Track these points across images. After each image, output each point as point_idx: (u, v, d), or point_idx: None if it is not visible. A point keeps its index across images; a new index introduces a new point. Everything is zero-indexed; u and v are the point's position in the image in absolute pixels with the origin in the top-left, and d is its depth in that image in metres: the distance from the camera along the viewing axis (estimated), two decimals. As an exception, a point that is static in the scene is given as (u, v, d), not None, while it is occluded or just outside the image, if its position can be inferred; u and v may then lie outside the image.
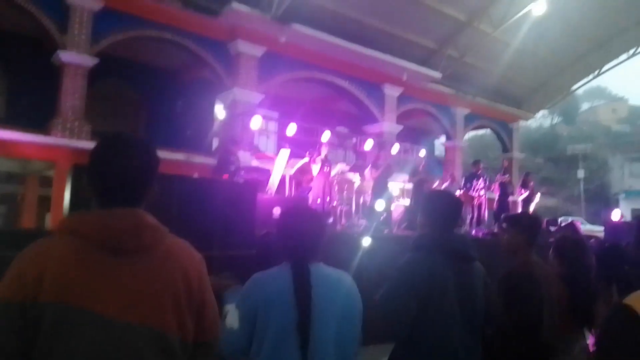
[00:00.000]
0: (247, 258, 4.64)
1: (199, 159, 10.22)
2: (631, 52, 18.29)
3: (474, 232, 8.82)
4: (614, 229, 8.36)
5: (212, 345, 1.36)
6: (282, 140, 10.19)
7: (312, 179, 8.06)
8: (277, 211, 5.93)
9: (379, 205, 7.99)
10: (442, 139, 18.75)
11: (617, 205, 25.88)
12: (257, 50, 11.24)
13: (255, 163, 9.46)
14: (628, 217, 16.38)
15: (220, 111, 11.75)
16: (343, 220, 8.28)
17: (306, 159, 8.15)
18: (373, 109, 13.78)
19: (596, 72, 19.32)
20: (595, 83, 26.98)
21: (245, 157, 9.21)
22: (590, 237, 7.91)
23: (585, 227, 16.27)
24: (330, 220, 7.62)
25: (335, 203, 8.26)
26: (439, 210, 2.20)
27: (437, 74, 14.41)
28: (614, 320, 1.31)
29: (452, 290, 2.04)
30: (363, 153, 12.26)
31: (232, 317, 1.72)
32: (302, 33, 11.42)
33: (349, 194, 8.76)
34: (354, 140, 12.41)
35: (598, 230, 13.38)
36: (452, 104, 16.35)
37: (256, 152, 10.74)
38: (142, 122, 13.32)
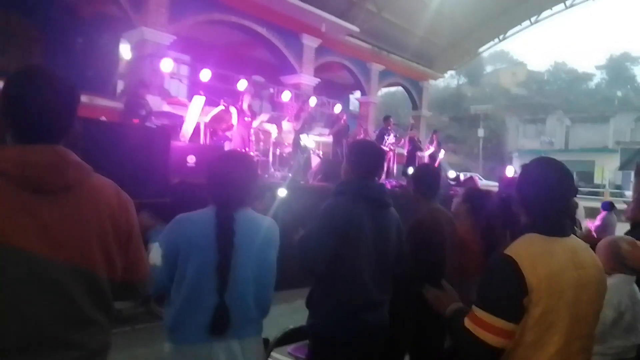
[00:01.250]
0: (158, 206, 4.49)
1: (103, 102, 9.48)
2: (533, 19, 19.61)
3: (384, 184, 9.23)
4: (507, 185, 9.17)
5: (139, 287, 1.37)
6: (195, 86, 9.72)
7: (228, 128, 7.86)
8: (191, 159, 5.76)
9: (296, 156, 8.05)
10: (357, 94, 19.04)
11: (511, 162, 28.33)
12: (168, -14, 10.42)
13: (166, 108, 8.98)
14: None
15: (126, 51, 10.87)
16: (260, 171, 8.24)
17: (222, 107, 7.89)
18: (291, 59, 13.54)
19: (501, 37, 20.53)
20: (499, 47, 28.65)
21: (155, 102, 8.69)
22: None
23: (482, 183, 17.69)
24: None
25: (253, 154, 8.18)
26: (363, 159, 2.33)
27: (355, 28, 14.40)
28: (494, 267, 1.51)
29: (368, 233, 2.20)
30: (280, 104, 12.12)
31: (155, 254, 1.73)
32: (218, -28, 10.78)
33: (265, 145, 8.69)
34: (271, 90, 12.19)
35: (493, 185, 14.59)
36: (368, 60, 16.56)
37: (167, 96, 10.19)
38: (38, 59, 11.99)
